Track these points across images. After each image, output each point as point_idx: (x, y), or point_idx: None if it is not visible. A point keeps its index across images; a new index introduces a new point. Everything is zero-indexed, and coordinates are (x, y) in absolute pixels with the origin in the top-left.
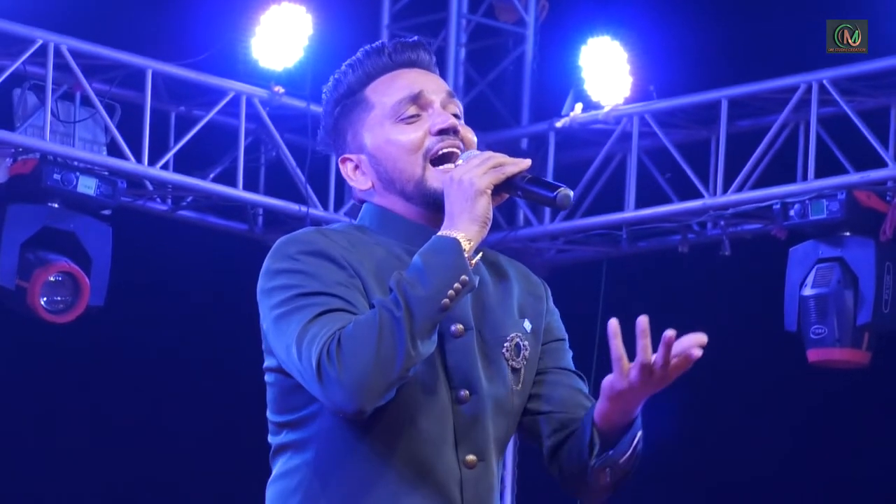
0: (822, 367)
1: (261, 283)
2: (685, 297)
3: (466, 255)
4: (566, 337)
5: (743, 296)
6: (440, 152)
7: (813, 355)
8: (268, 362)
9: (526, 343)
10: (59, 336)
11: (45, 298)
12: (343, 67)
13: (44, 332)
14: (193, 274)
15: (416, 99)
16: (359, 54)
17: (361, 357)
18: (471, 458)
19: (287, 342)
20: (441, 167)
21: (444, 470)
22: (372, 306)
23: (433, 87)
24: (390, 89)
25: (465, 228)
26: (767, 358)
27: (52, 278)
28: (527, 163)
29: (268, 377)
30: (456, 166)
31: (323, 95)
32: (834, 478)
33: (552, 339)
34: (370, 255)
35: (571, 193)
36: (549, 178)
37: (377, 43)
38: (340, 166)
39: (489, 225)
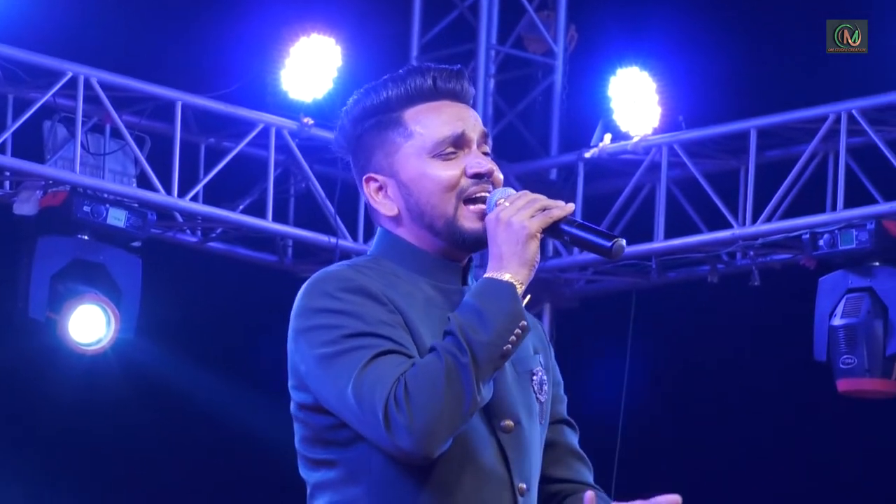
0: (851, 397)
1: (298, 322)
2: (715, 327)
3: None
4: (562, 381)
5: (772, 326)
6: (474, 195)
7: (843, 385)
8: (300, 399)
9: (545, 378)
10: (89, 368)
11: (75, 330)
12: (381, 81)
13: (74, 364)
14: (223, 305)
15: (458, 139)
16: (402, 71)
17: (431, 403)
18: (522, 486)
19: (339, 387)
20: (475, 207)
21: (501, 499)
22: (415, 341)
23: (472, 125)
24: (433, 123)
25: (515, 271)
26: (797, 388)
27: (82, 310)
28: (571, 207)
29: (300, 414)
30: (497, 204)
31: (352, 98)
32: None
33: (556, 384)
34: (403, 289)
35: (625, 243)
36: (596, 225)
37: (423, 64)
38: (364, 184)
39: (536, 268)
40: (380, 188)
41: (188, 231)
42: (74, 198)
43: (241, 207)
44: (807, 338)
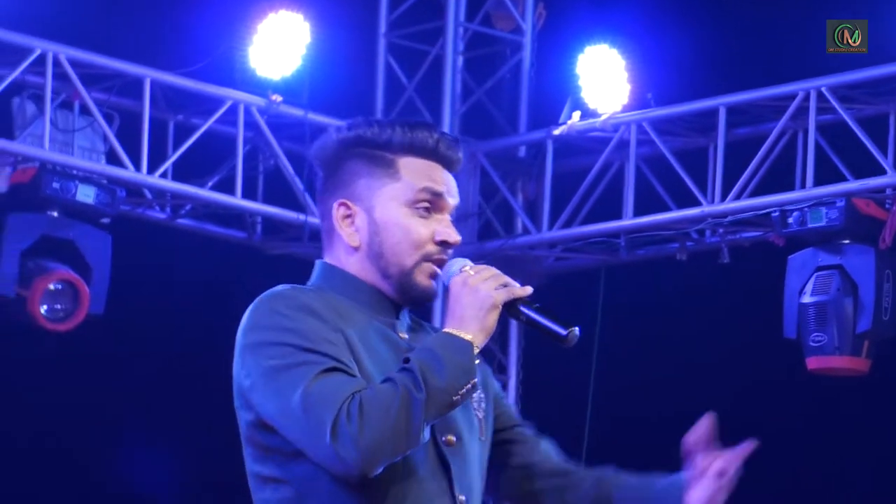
0: (821, 375)
1: (246, 338)
2: (684, 305)
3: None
4: (502, 392)
5: (742, 304)
6: (433, 257)
7: (812, 363)
8: (248, 417)
9: (482, 395)
10: (58, 344)
11: (44, 307)
12: (387, 121)
13: (43, 341)
14: (192, 282)
15: (438, 198)
16: (409, 122)
17: (382, 423)
18: (462, 497)
19: (284, 397)
20: (432, 267)
21: None
22: (357, 363)
23: (453, 193)
24: (420, 175)
25: (475, 334)
26: (767, 366)
27: (51, 287)
28: (529, 290)
29: (248, 431)
30: (462, 271)
31: (346, 123)
32: (832, 486)
33: (498, 397)
34: (345, 314)
35: (579, 332)
36: (554, 311)
37: (428, 122)
38: (334, 207)
39: (488, 339)
40: (347, 216)
41: (157, 208)
42: (44, 174)
43: (210, 184)
44: (776, 315)
